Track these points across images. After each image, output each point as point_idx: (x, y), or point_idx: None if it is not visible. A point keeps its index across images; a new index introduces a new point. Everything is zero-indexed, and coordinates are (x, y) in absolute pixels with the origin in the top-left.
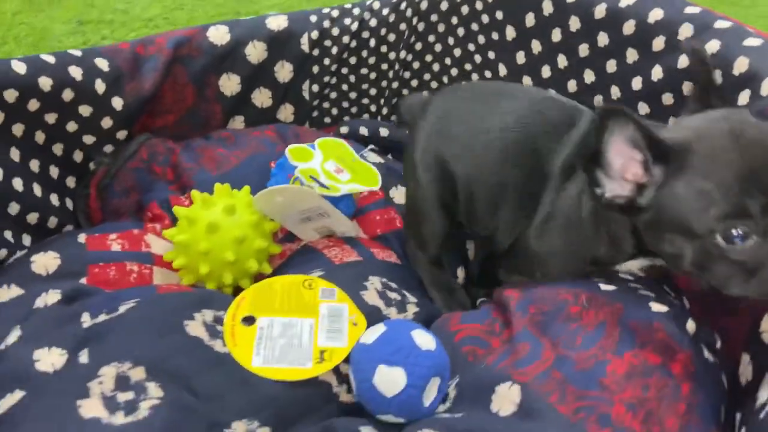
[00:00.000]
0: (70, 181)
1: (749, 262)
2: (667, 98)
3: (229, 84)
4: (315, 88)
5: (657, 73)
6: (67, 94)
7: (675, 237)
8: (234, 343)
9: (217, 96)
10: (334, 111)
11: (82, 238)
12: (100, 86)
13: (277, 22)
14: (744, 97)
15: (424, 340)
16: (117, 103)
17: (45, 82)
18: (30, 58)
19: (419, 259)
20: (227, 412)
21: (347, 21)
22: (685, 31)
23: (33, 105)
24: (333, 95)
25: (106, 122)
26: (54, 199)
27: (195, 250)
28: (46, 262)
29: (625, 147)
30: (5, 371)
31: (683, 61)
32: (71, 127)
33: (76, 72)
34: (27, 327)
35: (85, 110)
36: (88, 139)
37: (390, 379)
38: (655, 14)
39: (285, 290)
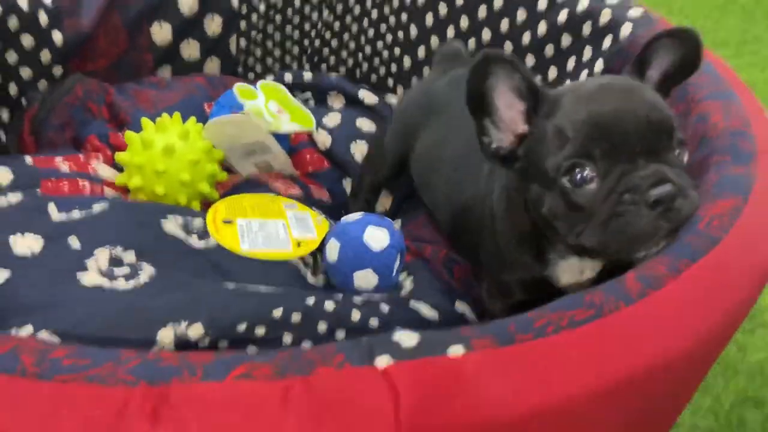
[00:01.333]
0: (4, 114)
1: (587, 208)
2: (549, 49)
3: (161, 33)
4: (242, 42)
5: (541, 28)
6: (13, 23)
7: (536, 185)
8: (220, 237)
9: (149, 45)
10: (258, 68)
11: (28, 159)
12: (43, 18)
13: None
14: (607, 41)
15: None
16: (57, 37)
17: None
18: None
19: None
20: (220, 280)
21: None
22: None
23: None
24: (258, 52)
25: (45, 56)
26: None
27: (151, 171)
28: None
29: (510, 96)
30: None
31: (562, 17)
32: (11, 57)
33: (22, 1)
34: None
35: (27, 41)
36: (25, 73)
37: (378, 236)
38: None
39: (252, 203)
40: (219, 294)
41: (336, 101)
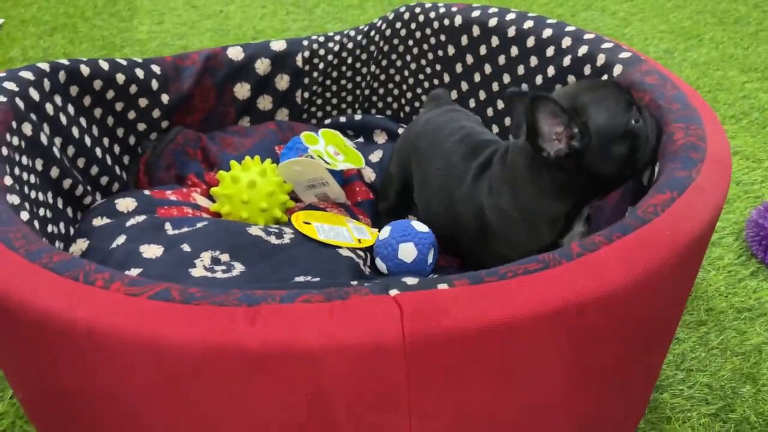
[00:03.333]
0: (125, 158)
1: (644, 134)
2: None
3: (242, 90)
4: (306, 95)
5: (550, 71)
6: (133, 88)
7: (614, 146)
8: (303, 230)
9: (232, 100)
10: (319, 114)
11: (146, 192)
12: (154, 84)
13: (278, 45)
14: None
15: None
16: (164, 98)
17: (120, 77)
18: (110, 59)
19: (379, 207)
20: (291, 272)
21: (331, 44)
22: (566, 41)
23: (110, 94)
24: (319, 101)
25: (156, 113)
26: (117, 169)
27: (238, 200)
28: (126, 203)
29: (550, 118)
30: (122, 257)
31: (566, 62)
32: (131, 115)
33: (139, 72)
34: (129, 233)
35: (142, 102)
36: (141, 126)
37: (421, 225)
38: (547, 32)
39: (322, 215)
40: (286, 283)
41: (380, 137)
